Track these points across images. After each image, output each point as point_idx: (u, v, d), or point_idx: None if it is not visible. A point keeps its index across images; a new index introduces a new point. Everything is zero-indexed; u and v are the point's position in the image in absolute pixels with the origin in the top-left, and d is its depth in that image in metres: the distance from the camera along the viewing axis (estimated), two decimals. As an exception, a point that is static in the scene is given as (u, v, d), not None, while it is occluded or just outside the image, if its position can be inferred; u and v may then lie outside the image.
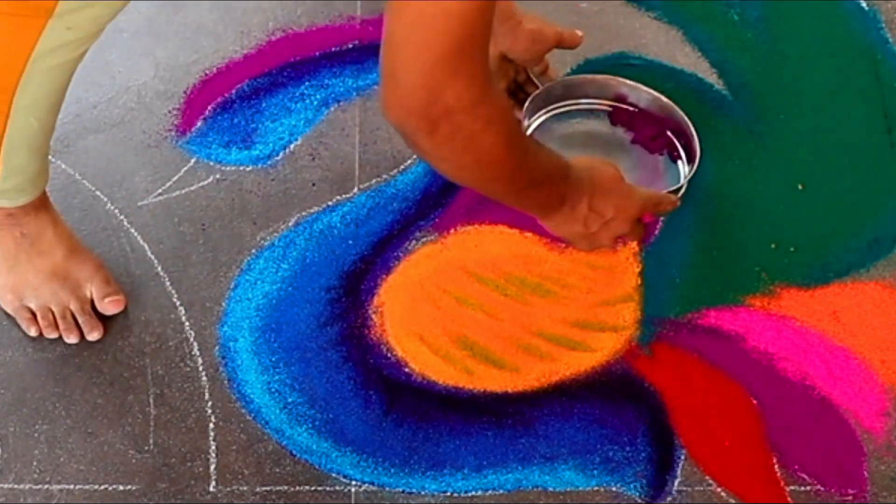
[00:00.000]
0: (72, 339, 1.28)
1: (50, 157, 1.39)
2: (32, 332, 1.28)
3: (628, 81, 1.40)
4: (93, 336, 1.28)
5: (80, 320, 1.28)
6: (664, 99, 1.39)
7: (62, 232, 1.28)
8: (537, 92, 1.37)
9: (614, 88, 1.40)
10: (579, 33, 1.36)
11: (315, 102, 1.46)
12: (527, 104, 1.36)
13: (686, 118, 1.37)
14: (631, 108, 1.40)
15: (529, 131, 1.37)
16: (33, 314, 1.28)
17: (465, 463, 1.23)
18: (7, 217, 1.24)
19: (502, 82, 1.38)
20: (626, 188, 1.19)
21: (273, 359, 1.29)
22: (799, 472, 1.23)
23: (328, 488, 1.21)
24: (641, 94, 1.40)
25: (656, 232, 1.37)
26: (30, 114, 1.11)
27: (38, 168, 1.21)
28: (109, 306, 1.29)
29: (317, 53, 1.50)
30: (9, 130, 1.11)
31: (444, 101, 0.93)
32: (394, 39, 0.93)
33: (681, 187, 1.33)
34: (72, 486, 1.22)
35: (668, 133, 1.39)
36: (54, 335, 1.28)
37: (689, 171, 1.34)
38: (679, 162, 1.38)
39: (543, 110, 1.39)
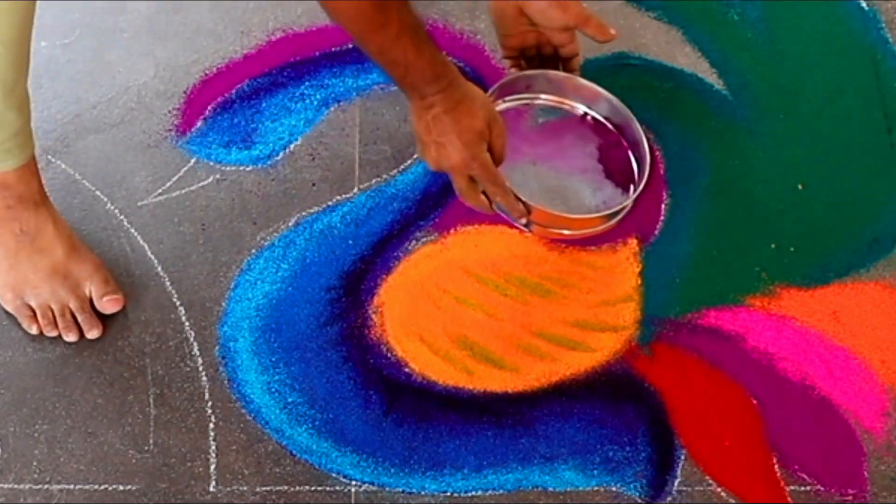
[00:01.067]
0: (71, 337, 1.28)
1: (50, 157, 1.40)
2: (33, 331, 1.28)
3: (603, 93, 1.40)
4: (92, 334, 1.28)
5: (79, 318, 1.28)
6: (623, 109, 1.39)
7: (62, 230, 1.28)
8: (515, 76, 1.38)
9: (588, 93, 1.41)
10: (612, 31, 1.35)
11: (315, 102, 1.46)
12: (494, 87, 1.37)
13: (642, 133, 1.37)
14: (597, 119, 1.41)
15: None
16: (33, 312, 1.28)
17: (465, 463, 1.23)
18: (6, 210, 1.24)
19: (513, 39, 1.37)
20: (475, 137, 1.22)
21: (273, 359, 1.29)
22: (799, 472, 1.23)
23: (328, 488, 1.21)
24: (604, 106, 1.40)
25: (656, 232, 1.37)
26: None
27: (18, 122, 1.19)
28: (108, 305, 1.29)
29: (317, 53, 1.49)
30: None
31: None
32: None
33: (623, 208, 1.34)
34: (72, 486, 1.22)
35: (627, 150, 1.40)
36: (54, 333, 1.28)
37: (634, 192, 1.34)
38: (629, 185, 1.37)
39: (510, 97, 1.41)
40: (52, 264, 1.27)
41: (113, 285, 1.30)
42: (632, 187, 1.36)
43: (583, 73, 1.41)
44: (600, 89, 1.40)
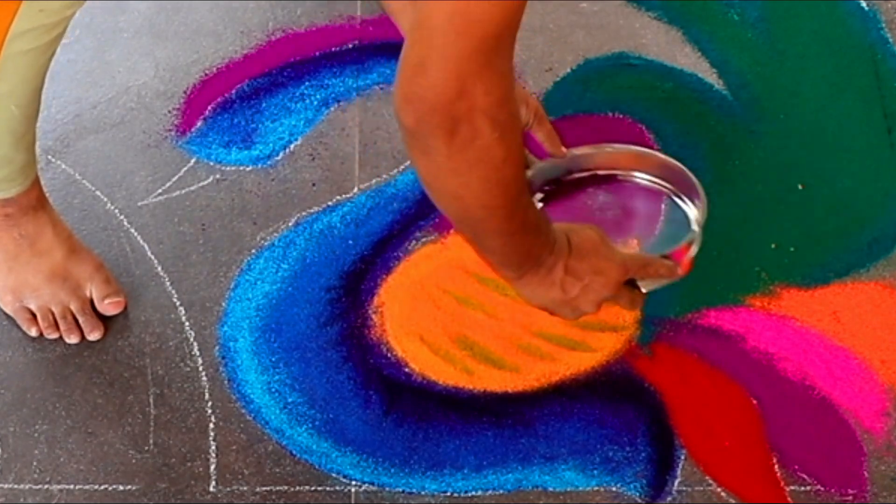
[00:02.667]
0: (73, 339, 1.28)
1: (50, 157, 1.40)
2: (32, 333, 1.28)
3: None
4: (93, 336, 1.28)
5: (80, 320, 1.28)
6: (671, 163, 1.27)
7: (61, 232, 1.28)
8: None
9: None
10: (564, 150, 1.24)
11: (315, 102, 1.46)
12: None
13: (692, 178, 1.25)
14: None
15: None
16: (33, 315, 1.28)
17: (465, 463, 1.23)
18: (5, 218, 1.24)
19: None
20: (605, 250, 1.10)
21: (273, 359, 1.29)
22: (799, 472, 1.23)
23: (328, 488, 1.21)
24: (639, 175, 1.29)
25: (656, 232, 1.37)
26: (10, 102, 1.11)
27: (25, 159, 1.20)
28: (109, 307, 1.29)
29: (317, 53, 1.50)
30: None
31: (473, 97, 0.87)
32: (429, 24, 0.85)
33: (690, 241, 1.21)
34: (72, 486, 1.22)
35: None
36: (55, 335, 1.28)
37: (698, 217, 1.23)
38: (684, 203, 1.27)
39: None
40: (51, 267, 1.27)
41: (114, 286, 1.30)
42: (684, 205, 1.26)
43: (582, 73, 1.41)
44: (635, 148, 1.29)
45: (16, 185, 1.22)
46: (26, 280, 1.27)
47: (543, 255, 1.06)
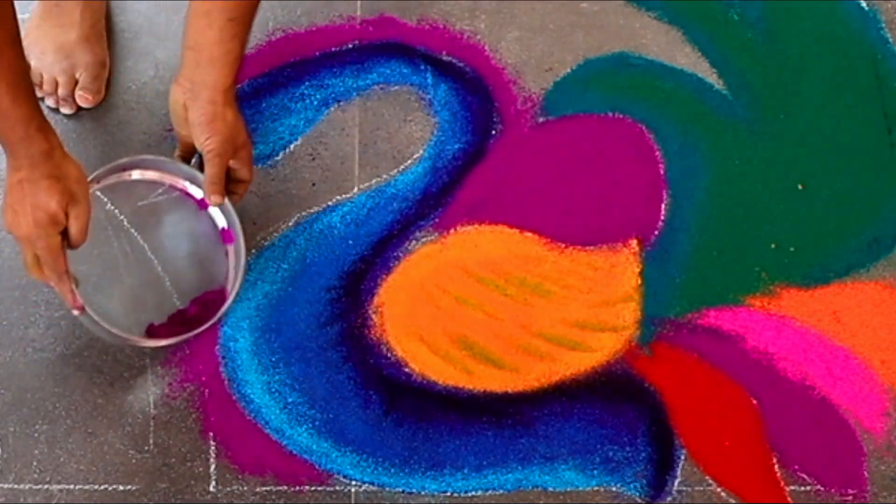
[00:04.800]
0: (49, 102, 1.41)
1: (50, 157, 1.40)
2: None
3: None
4: (64, 110, 1.41)
5: (59, 93, 1.40)
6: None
7: (87, 18, 1.41)
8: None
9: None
10: (213, 199, 1.27)
11: (315, 102, 1.46)
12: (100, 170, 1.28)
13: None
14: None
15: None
16: (32, 70, 1.40)
17: (465, 463, 1.23)
18: None
19: (184, 138, 1.30)
20: (43, 214, 1.14)
21: (273, 359, 1.29)
22: (799, 472, 1.23)
23: (328, 488, 1.21)
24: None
25: (656, 232, 1.37)
26: None
27: None
28: (80, 98, 1.41)
29: (317, 53, 1.49)
30: None
31: None
32: None
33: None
34: (72, 486, 1.22)
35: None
36: (38, 94, 1.39)
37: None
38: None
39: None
40: (63, 42, 1.40)
41: (96, 85, 1.41)
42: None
43: (582, 73, 1.41)
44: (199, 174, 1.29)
45: None
46: (38, 41, 1.40)
47: (15, 150, 1.14)
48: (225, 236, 1.32)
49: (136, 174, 1.31)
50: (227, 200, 1.28)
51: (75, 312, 1.20)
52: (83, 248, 1.19)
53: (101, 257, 1.28)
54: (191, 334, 1.25)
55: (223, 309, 1.28)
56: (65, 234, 1.17)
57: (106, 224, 1.31)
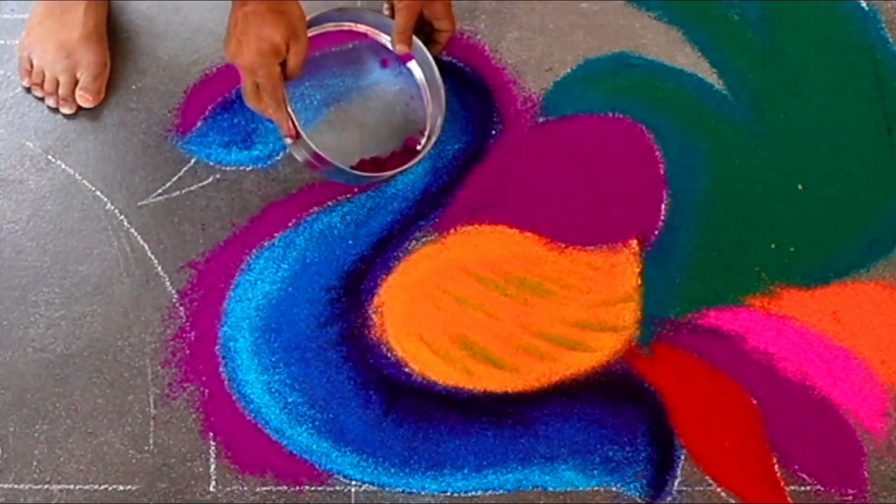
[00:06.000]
0: (50, 102, 1.42)
1: (50, 157, 1.40)
2: (24, 83, 1.43)
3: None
4: (63, 110, 1.42)
5: (60, 93, 1.42)
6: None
7: (90, 18, 1.42)
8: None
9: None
10: (406, 48, 1.36)
11: (315, 102, 1.46)
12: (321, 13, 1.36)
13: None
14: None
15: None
16: (31, 68, 1.42)
17: (465, 463, 1.23)
18: None
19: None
20: (267, 45, 1.21)
21: (273, 359, 1.29)
22: (799, 472, 1.23)
23: (328, 488, 1.22)
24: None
25: (656, 232, 1.38)
26: None
27: None
28: (80, 98, 1.42)
29: (317, 53, 1.49)
30: None
31: None
32: None
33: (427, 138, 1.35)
34: (72, 486, 1.22)
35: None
36: (39, 94, 1.42)
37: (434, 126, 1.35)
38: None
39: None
40: (65, 40, 1.41)
41: (97, 85, 1.42)
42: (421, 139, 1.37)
43: (582, 72, 1.41)
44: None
45: None
46: (40, 39, 1.42)
47: None
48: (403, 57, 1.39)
49: (348, 26, 1.39)
50: (427, 53, 1.36)
51: (288, 141, 1.28)
52: None
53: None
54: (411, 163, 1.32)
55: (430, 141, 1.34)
56: (283, 66, 1.24)
57: None
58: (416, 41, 1.37)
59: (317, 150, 1.27)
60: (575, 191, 1.39)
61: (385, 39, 1.40)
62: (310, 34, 1.32)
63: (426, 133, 1.38)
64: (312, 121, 1.44)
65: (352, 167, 1.34)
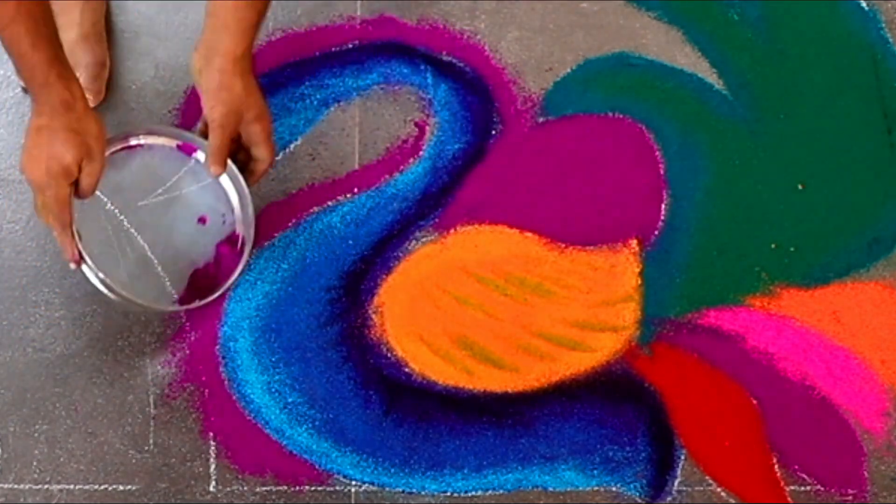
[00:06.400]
0: None
1: (50, 157, 1.40)
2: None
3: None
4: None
5: None
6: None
7: (87, 19, 1.41)
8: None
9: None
10: (214, 170, 1.28)
11: (315, 102, 1.46)
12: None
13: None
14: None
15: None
16: None
17: (465, 463, 1.23)
18: None
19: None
20: (56, 165, 1.15)
21: (273, 359, 1.29)
22: (799, 472, 1.23)
23: (328, 488, 1.22)
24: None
25: (656, 232, 1.38)
26: None
27: None
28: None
29: (317, 53, 1.49)
30: None
31: None
32: None
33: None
34: (72, 486, 1.22)
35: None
36: None
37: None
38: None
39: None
40: (62, 41, 1.35)
41: (97, 85, 1.41)
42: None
43: (582, 72, 1.41)
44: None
45: None
46: None
47: (37, 95, 1.15)
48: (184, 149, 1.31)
49: (145, 139, 1.31)
50: (240, 177, 1.29)
51: (72, 266, 1.21)
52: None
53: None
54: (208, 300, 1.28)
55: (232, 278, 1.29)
56: (75, 185, 1.19)
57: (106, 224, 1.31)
58: (231, 166, 1.29)
59: (103, 276, 1.22)
60: (575, 191, 1.39)
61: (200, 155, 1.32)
62: (114, 149, 1.27)
63: (239, 237, 1.32)
64: (313, 121, 1.44)
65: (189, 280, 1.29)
